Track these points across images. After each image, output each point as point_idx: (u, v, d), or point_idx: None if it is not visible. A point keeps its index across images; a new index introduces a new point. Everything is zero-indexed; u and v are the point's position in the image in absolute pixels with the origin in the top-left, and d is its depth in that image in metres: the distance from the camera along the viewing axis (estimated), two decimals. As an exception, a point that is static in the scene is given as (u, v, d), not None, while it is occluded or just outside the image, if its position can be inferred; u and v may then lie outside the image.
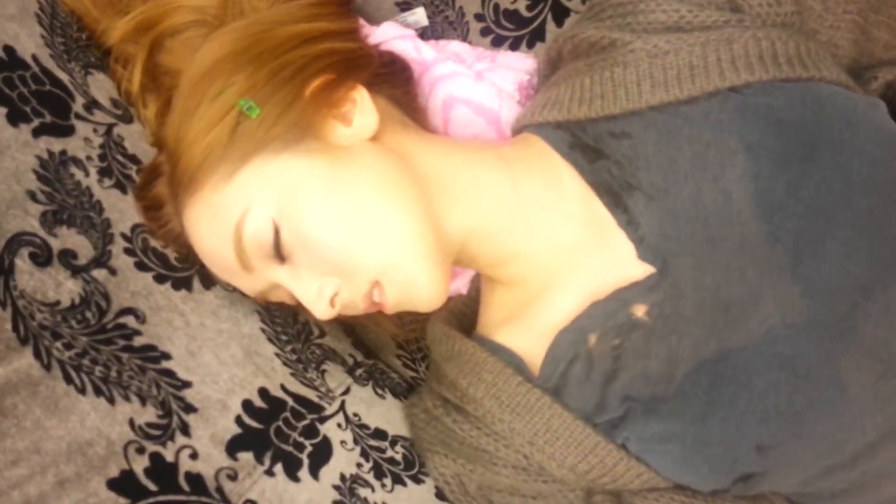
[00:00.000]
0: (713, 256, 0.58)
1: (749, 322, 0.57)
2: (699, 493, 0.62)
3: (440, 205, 0.62)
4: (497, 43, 0.83)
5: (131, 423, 0.51)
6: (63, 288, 0.54)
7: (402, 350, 0.82)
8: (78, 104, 0.65)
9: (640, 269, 0.60)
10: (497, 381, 0.63)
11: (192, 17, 0.70)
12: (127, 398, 0.52)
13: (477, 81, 0.73)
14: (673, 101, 0.60)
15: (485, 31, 0.83)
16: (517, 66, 0.79)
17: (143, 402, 0.53)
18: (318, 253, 0.58)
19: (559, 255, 0.63)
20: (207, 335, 0.61)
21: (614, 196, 0.61)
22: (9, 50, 0.61)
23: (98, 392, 0.51)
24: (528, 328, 0.65)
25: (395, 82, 0.69)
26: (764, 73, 0.60)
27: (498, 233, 0.64)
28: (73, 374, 0.50)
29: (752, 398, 0.56)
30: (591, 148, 0.63)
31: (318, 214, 0.58)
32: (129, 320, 0.57)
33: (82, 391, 0.50)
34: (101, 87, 0.69)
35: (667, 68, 0.61)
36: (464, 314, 0.75)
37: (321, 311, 0.60)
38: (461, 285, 0.77)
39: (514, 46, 0.83)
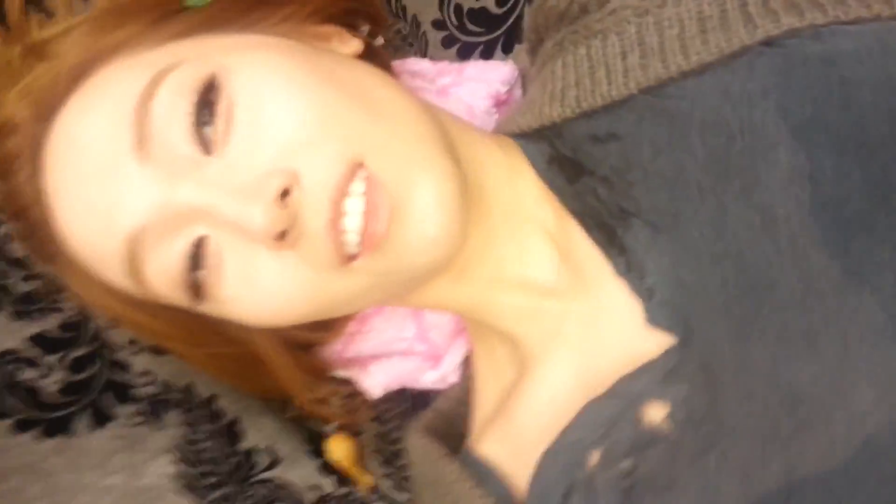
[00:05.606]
0: (761, 316, 0.36)
1: (832, 426, 0.34)
2: None
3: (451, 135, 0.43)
4: (465, 54, 0.66)
5: None
6: None
7: (389, 466, 0.62)
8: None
9: (653, 340, 0.39)
10: None
11: None
12: None
13: (440, 98, 0.56)
14: (675, 74, 0.39)
15: (448, 41, 0.66)
16: (490, 77, 0.60)
17: None
18: (278, 108, 0.37)
19: (542, 305, 0.45)
20: None
21: (606, 231, 0.41)
22: None
23: None
24: (513, 429, 0.45)
25: None
26: (820, 14, 0.39)
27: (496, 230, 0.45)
28: None
29: None
30: (568, 161, 0.43)
31: (292, 73, 0.38)
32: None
33: None
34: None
35: (663, 28, 0.40)
36: (455, 417, 0.56)
37: (261, 211, 0.35)
38: (449, 370, 0.57)
39: (487, 54, 0.66)
